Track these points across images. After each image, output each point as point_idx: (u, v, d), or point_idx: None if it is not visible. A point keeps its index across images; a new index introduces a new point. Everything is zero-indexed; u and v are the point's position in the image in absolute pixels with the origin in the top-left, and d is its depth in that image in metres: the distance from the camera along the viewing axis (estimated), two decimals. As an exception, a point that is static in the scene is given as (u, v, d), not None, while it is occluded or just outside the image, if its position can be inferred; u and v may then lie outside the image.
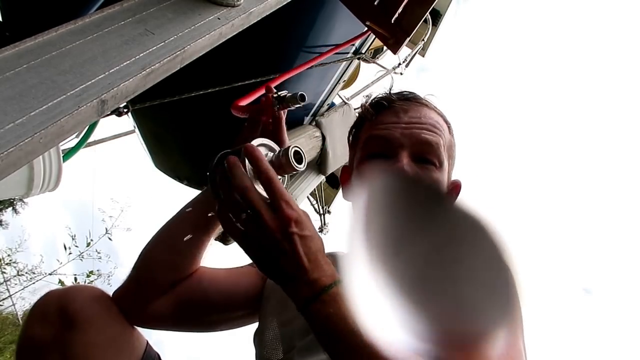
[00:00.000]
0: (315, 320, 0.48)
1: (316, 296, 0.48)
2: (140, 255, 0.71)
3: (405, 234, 0.33)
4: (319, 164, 1.91)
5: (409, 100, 0.77)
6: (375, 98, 0.80)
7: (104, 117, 0.53)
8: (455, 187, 0.80)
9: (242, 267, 0.81)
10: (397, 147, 0.71)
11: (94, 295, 0.69)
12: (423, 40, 2.30)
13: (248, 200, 0.49)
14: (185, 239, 0.70)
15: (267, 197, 0.49)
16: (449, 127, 0.79)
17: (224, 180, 0.51)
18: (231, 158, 0.51)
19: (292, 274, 0.49)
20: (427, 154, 0.71)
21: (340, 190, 0.89)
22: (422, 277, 0.32)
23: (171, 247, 0.71)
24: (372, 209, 0.33)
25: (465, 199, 0.33)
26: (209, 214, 0.69)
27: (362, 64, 1.96)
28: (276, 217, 0.48)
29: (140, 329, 0.72)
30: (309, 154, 1.87)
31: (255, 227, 0.49)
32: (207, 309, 0.74)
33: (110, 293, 0.72)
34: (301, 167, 0.53)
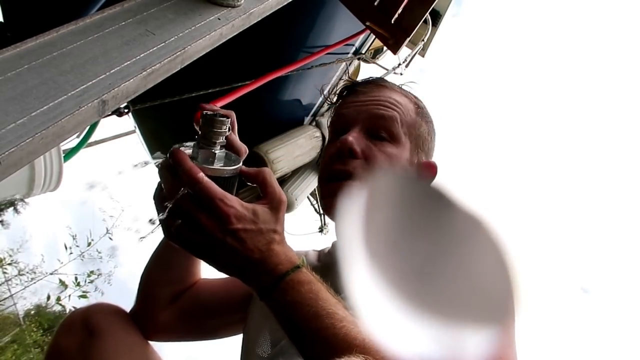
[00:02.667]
0: (275, 309, 0.48)
1: (274, 285, 0.47)
2: (142, 275, 0.76)
3: (401, 232, 0.33)
4: (319, 164, 1.91)
5: (370, 83, 0.79)
6: (342, 86, 0.84)
7: (104, 117, 0.53)
8: (431, 168, 0.79)
9: None
10: (351, 123, 0.73)
11: (113, 310, 0.76)
12: (423, 40, 2.30)
13: (178, 206, 0.46)
14: (177, 253, 0.74)
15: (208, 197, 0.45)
16: (419, 111, 0.79)
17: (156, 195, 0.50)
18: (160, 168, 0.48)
19: (246, 268, 0.48)
20: (381, 128, 0.73)
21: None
22: (419, 277, 0.32)
23: (166, 263, 0.76)
24: (366, 208, 0.33)
25: (463, 198, 0.33)
26: None
27: (362, 64, 1.96)
28: (212, 217, 0.45)
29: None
30: (309, 154, 1.86)
31: (192, 231, 0.46)
32: (207, 316, 0.78)
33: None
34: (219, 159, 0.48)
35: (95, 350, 0.68)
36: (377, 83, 0.79)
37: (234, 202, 0.47)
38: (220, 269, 0.50)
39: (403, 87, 0.84)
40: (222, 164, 0.49)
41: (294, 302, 0.46)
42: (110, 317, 0.73)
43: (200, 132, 0.50)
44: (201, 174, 0.46)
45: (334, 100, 0.83)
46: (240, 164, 0.51)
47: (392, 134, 0.73)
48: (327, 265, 0.76)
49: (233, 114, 0.75)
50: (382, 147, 0.72)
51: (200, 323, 0.79)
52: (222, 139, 0.50)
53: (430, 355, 0.31)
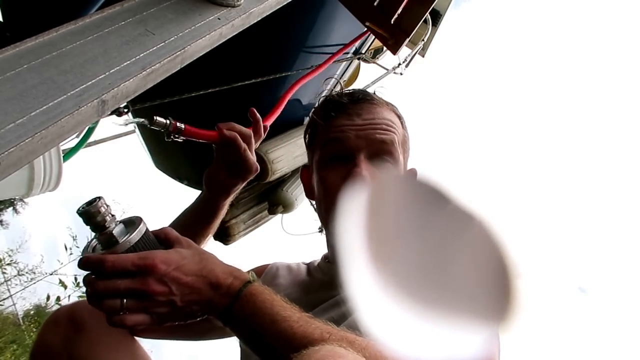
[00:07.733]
0: (236, 326, 0.50)
1: (232, 303, 0.49)
2: None
3: (400, 233, 0.33)
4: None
5: (360, 101, 0.78)
6: (326, 101, 0.81)
7: (104, 117, 0.53)
8: (413, 175, 0.81)
9: None
10: (354, 149, 0.73)
11: None
12: (423, 40, 2.30)
13: (112, 290, 0.48)
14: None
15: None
16: (402, 122, 0.80)
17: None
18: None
19: (201, 300, 0.50)
20: (383, 153, 0.74)
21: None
22: (417, 277, 0.32)
23: None
24: (367, 212, 0.33)
25: (462, 197, 0.33)
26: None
27: (362, 64, 1.96)
28: (139, 279, 0.47)
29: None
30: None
31: (137, 301, 0.48)
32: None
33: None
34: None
35: (80, 345, 0.68)
36: (367, 101, 0.78)
37: (153, 253, 0.49)
38: (184, 319, 0.51)
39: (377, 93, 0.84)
40: (125, 236, 0.50)
41: (250, 315, 0.48)
42: (96, 313, 0.74)
43: (92, 225, 0.50)
44: (106, 258, 0.47)
45: (319, 113, 0.80)
46: (141, 223, 0.52)
47: (393, 157, 0.74)
48: (321, 279, 0.77)
49: (261, 129, 0.83)
50: (386, 171, 0.73)
51: (188, 325, 0.80)
52: (108, 217, 0.50)
53: (428, 355, 0.31)
